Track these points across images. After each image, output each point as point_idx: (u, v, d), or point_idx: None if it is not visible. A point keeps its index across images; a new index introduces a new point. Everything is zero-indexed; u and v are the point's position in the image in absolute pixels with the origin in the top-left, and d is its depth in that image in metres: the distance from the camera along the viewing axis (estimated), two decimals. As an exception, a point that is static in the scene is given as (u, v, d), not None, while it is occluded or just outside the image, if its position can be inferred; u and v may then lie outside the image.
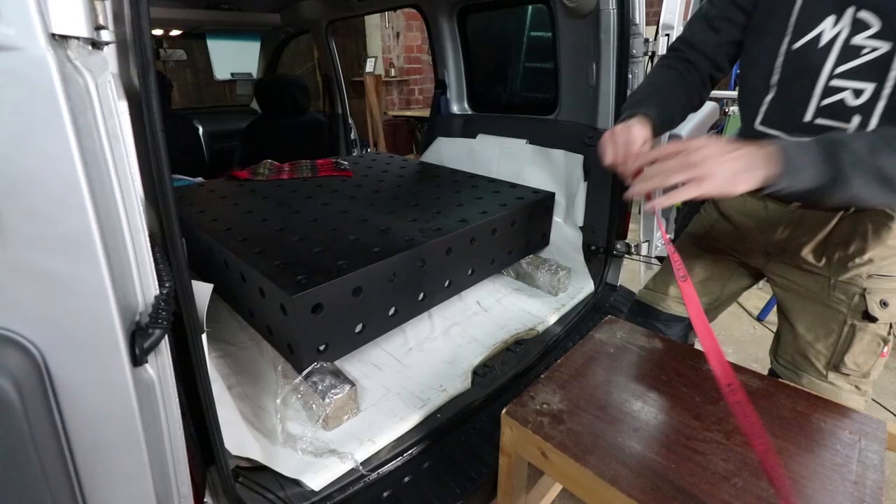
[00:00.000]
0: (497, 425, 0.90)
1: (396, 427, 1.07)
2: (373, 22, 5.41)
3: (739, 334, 2.54)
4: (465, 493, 0.96)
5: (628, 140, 0.89)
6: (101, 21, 0.49)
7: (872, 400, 2.04)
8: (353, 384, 1.08)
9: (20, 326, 0.48)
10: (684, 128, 1.67)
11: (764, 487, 0.70)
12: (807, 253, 1.00)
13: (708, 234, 1.18)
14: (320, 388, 1.05)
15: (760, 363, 2.24)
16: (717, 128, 3.48)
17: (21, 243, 0.46)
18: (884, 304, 0.97)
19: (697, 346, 1.23)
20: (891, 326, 0.99)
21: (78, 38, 0.46)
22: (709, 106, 1.67)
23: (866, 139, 0.68)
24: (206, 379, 0.74)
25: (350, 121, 3.15)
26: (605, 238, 1.74)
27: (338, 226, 1.40)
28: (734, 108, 3.42)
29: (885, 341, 1.00)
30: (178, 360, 0.68)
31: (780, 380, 0.95)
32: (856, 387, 1.02)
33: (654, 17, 1.38)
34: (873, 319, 0.97)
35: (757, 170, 0.68)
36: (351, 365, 1.27)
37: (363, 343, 1.21)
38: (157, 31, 3.01)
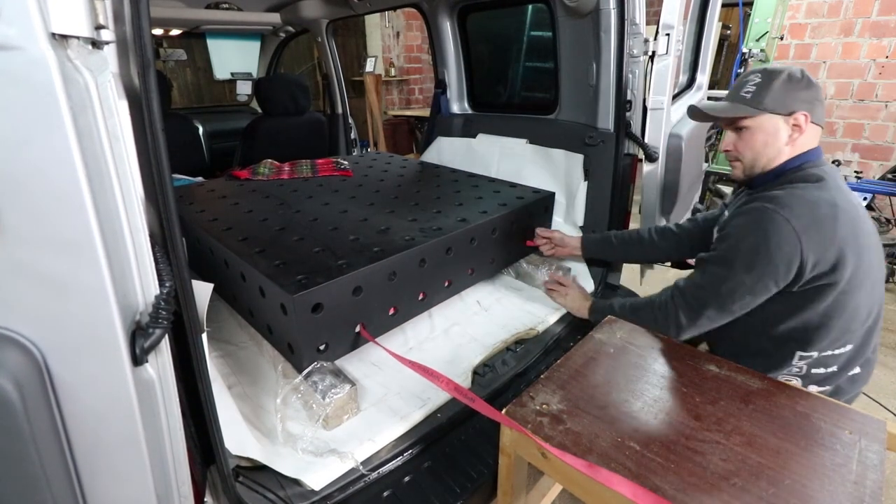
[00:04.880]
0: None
1: (396, 426, 1.07)
2: (373, 21, 5.41)
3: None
4: (465, 492, 0.96)
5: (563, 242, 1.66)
6: (101, 20, 0.49)
7: (872, 400, 2.03)
8: (353, 384, 1.08)
9: (21, 326, 0.48)
10: (684, 129, 1.67)
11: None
12: None
13: None
14: (320, 387, 1.05)
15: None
16: (716, 128, 3.48)
17: (21, 243, 0.46)
18: None
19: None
20: None
21: (78, 37, 0.46)
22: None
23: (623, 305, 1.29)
24: (206, 378, 0.74)
25: (350, 120, 3.14)
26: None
27: (338, 225, 1.40)
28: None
29: None
30: (178, 360, 0.68)
31: (780, 380, 0.95)
32: None
33: (654, 16, 1.38)
34: None
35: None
36: (351, 364, 1.27)
37: (363, 343, 1.21)
38: (157, 31, 3.01)
